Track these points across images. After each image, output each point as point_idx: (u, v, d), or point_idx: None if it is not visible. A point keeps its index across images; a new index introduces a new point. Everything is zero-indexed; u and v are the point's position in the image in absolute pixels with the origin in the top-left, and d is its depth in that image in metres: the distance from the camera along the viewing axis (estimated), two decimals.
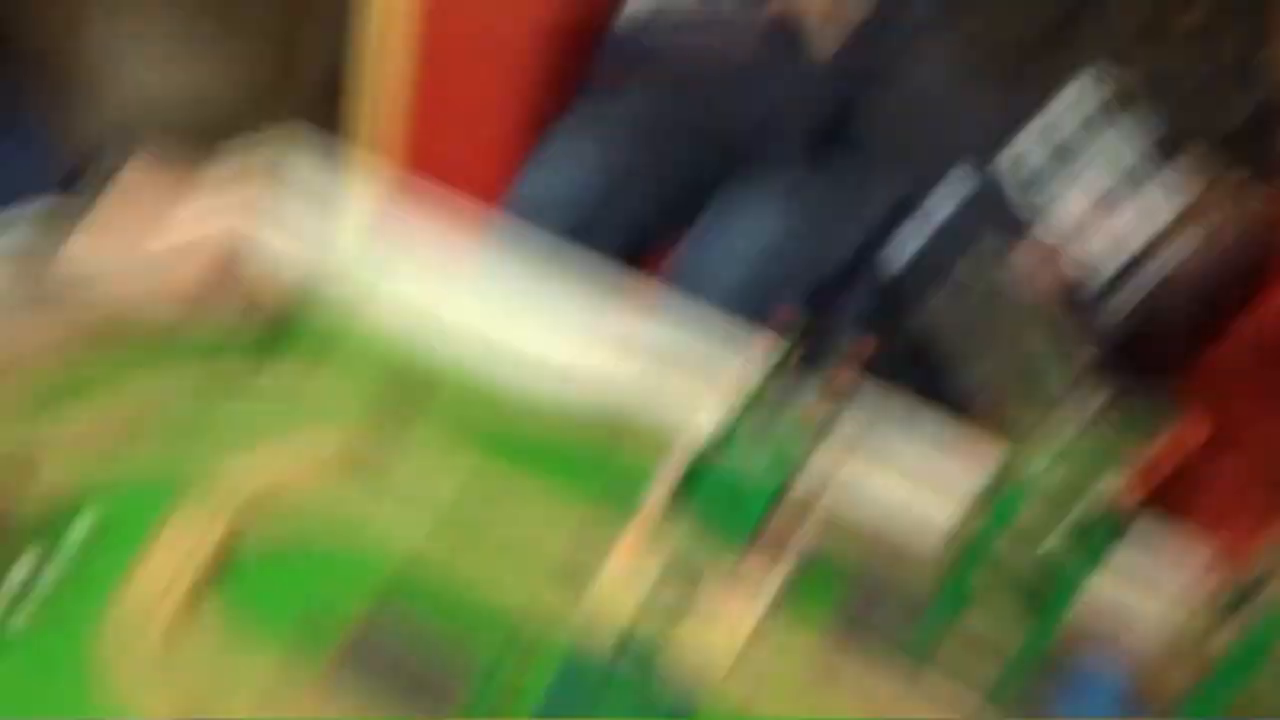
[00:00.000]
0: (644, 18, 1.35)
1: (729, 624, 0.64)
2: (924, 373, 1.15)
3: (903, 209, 1.24)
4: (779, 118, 1.28)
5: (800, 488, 0.65)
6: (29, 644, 0.53)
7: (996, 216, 1.19)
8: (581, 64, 1.34)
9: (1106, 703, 0.65)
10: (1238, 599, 0.61)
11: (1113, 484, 0.60)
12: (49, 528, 0.57)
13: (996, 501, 0.63)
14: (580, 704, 0.58)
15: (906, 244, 1.23)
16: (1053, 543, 0.60)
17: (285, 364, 0.71)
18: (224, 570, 0.58)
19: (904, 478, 0.77)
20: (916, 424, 0.81)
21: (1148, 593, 0.70)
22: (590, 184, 1.26)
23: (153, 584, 0.56)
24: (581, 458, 0.73)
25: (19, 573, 0.55)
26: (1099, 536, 0.60)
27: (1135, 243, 1.18)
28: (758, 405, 0.63)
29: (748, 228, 1.23)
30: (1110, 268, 1.18)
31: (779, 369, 0.64)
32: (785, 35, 1.31)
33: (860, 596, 0.69)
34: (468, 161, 1.36)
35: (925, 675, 0.64)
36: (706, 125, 1.31)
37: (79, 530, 0.58)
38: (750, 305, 1.12)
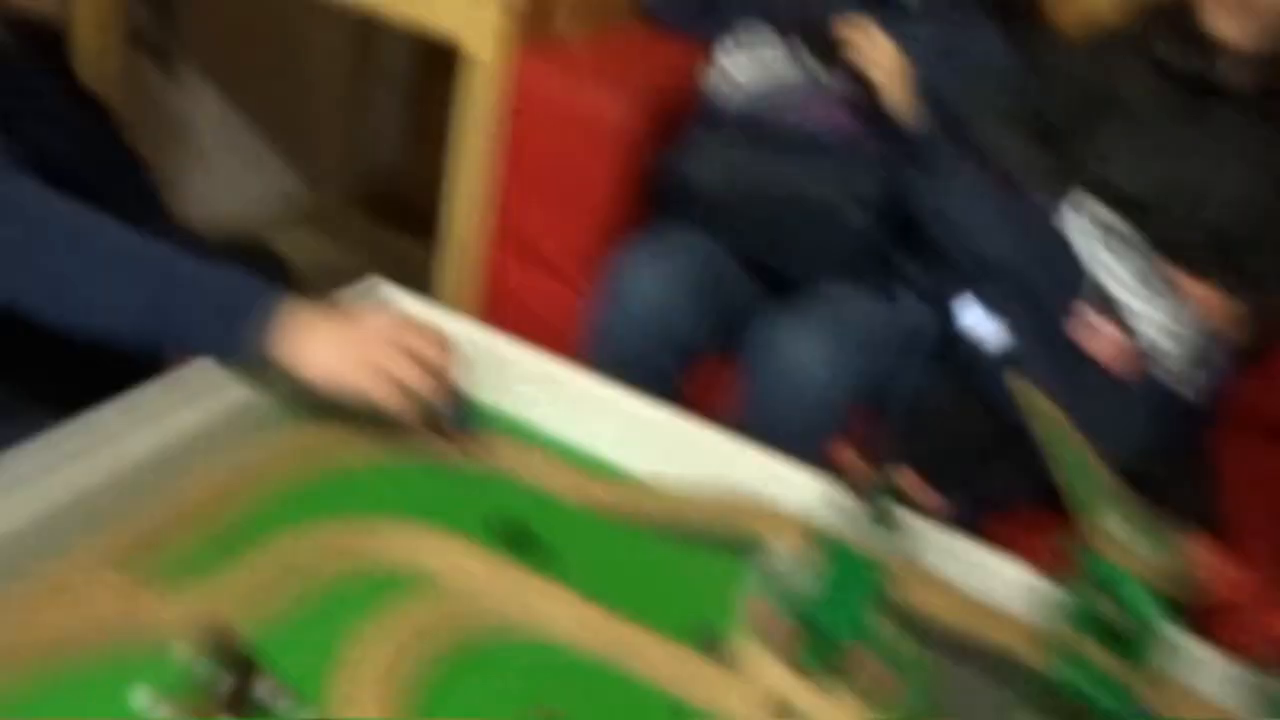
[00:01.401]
0: (734, 93, 1.46)
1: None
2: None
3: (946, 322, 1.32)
4: (829, 241, 1.38)
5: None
6: None
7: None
8: (643, 199, 1.45)
9: None
10: None
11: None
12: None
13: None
14: None
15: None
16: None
17: None
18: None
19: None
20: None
21: None
22: (657, 308, 1.34)
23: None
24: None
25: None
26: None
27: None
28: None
29: (801, 359, 1.29)
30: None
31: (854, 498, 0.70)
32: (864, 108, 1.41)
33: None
34: (543, 290, 1.46)
35: None
36: (760, 253, 1.42)
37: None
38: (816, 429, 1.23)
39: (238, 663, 0.57)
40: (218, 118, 2.22)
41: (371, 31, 2.36)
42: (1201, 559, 0.65)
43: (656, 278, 1.34)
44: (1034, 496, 1.22)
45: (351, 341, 0.78)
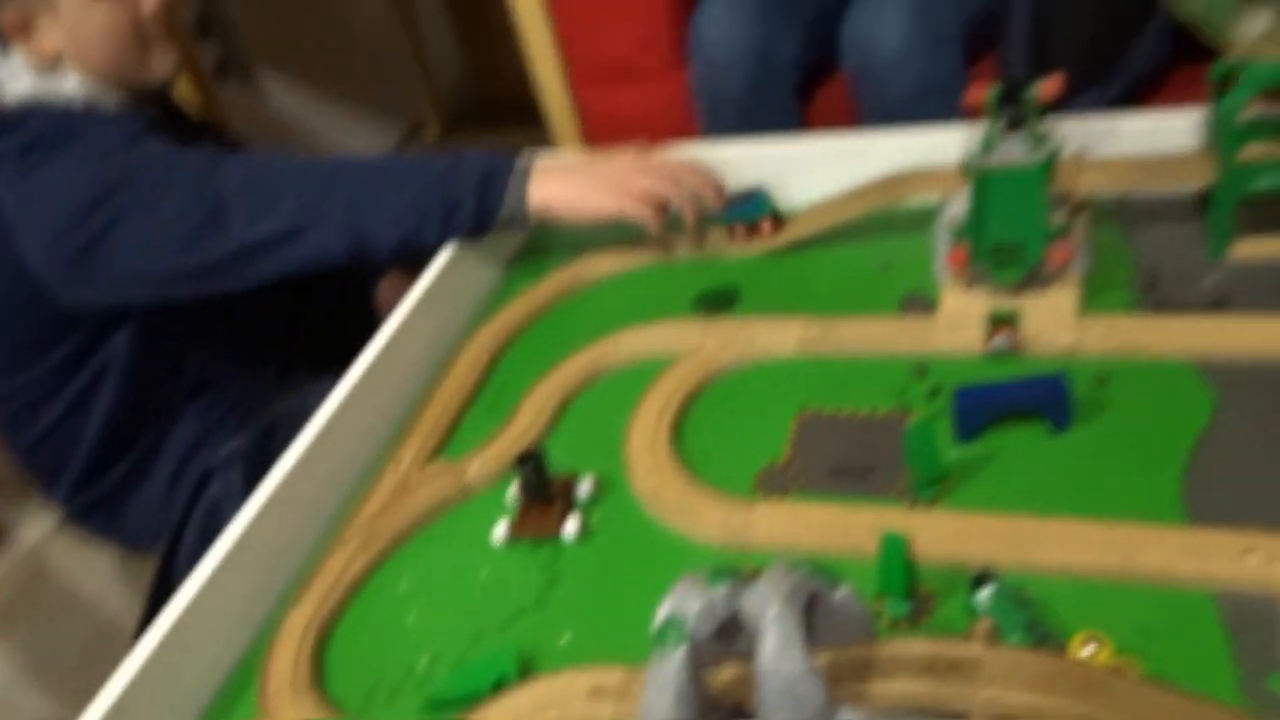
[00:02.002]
0: None
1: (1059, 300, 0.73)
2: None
3: None
4: None
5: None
6: None
7: None
8: None
9: None
10: None
11: None
12: None
13: None
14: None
15: None
16: None
17: None
18: None
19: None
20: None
21: None
22: (742, 39, 1.35)
23: None
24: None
25: None
26: None
27: None
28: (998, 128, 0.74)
29: (893, 40, 1.28)
30: None
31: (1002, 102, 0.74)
32: None
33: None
34: (640, 98, 1.50)
35: None
36: None
37: None
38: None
39: (541, 476, 0.69)
40: (304, 102, 2.35)
41: None
42: None
43: (728, 12, 1.35)
44: (1175, 59, 1.19)
45: (601, 175, 0.90)
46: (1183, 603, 0.54)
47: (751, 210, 0.91)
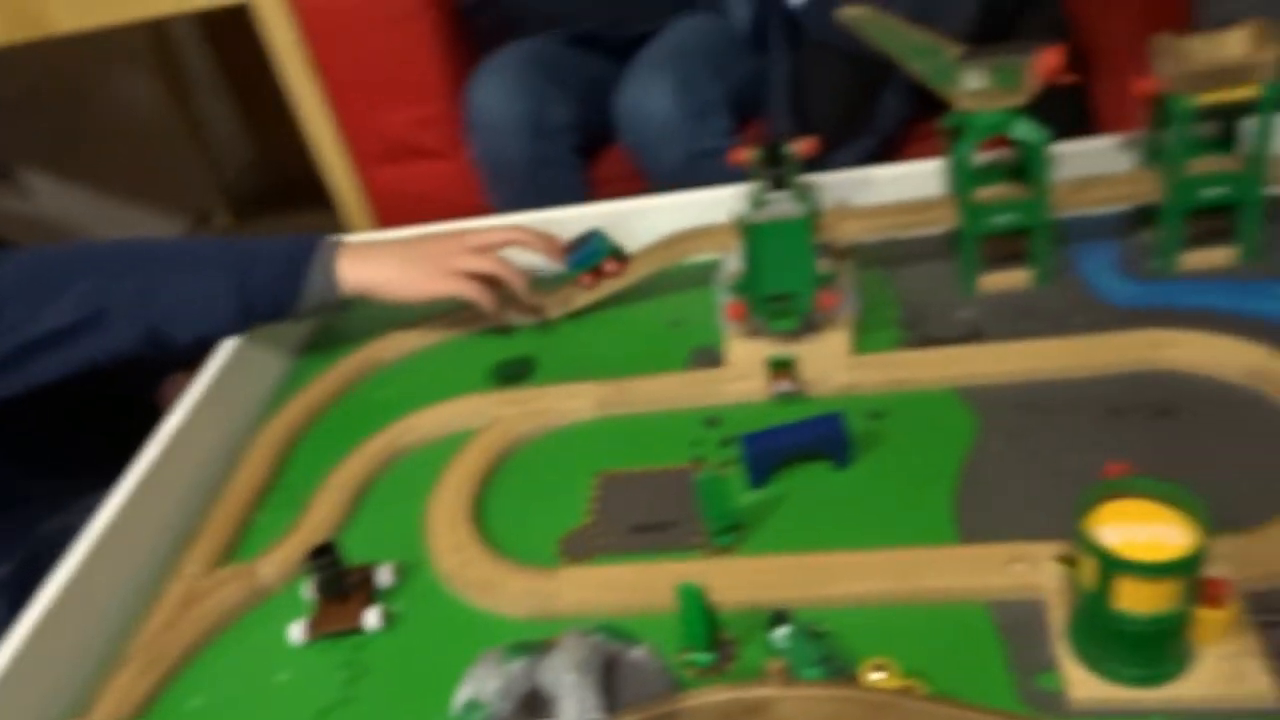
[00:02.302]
0: None
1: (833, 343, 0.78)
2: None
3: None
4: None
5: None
6: None
7: None
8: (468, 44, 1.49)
9: None
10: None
11: None
12: None
13: None
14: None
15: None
16: None
17: None
18: None
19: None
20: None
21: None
22: (516, 109, 1.39)
23: None
24: None
25: None
26: None
27: None
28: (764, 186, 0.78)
29: (656, 105, 1.34)
30: None
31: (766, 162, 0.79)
32: None
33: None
34: (426, 172, 1.50)
35: None
36: (592, 28, 1.47)
37: None
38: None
39: (337, 569, 0.66)
40: (78, 200, 2.23)
41: (169, 57, 2.33)
42: (1046, 63, 0.72)
43: (500, 83, 1.39)
44: (921, 114, 1.30)
45: (425, 255, 0.88)
46: (960, 617, 0.57)
47: (592, 255, 0.90)
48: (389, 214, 1.52)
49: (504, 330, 0.92)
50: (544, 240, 0.91)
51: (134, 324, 0.84)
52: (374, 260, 0.87)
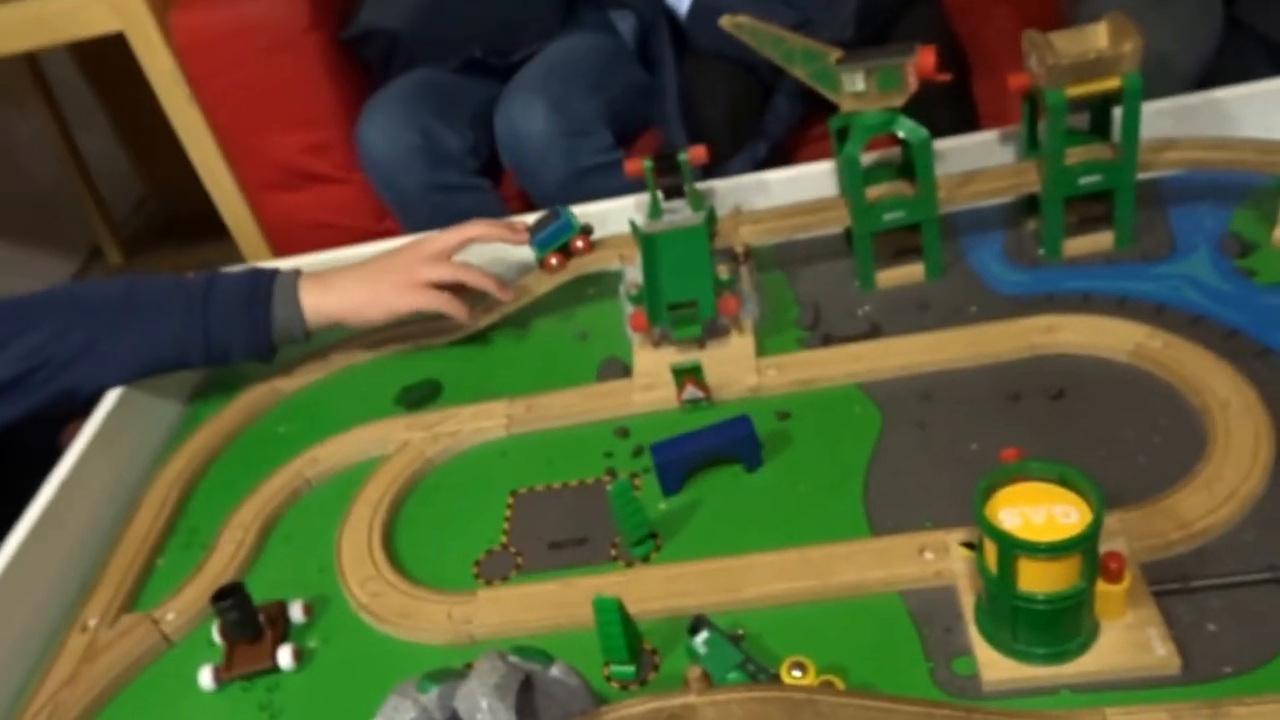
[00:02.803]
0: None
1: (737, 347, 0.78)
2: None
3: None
4: (525, 11, 1.43)
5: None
6: None
7: None
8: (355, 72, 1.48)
9: None
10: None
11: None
12: None
13: None
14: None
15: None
16: None
17: None
18: None
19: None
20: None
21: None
22: (415, 131, 1.37)
23: None
24: None
25: None
26: None
27: None
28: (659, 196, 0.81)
29: (535, 125, 1.34)
30: None
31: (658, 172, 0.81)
32: None
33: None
34: (325, 198, 1.47)
35: None
36: (474, 53, 1.45)
37: None
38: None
39: (245, 609, 0.64)
40: None
41: (49, 95, 2.26)
42: (923, 62, 0.74)
43: (388, 118, 1.37)
44: (813, 117, 1.33)
45: (385, 273, 0.85)
46: (876, 609, 0.58)
47: (559, 233, 0.88)
48: (287, 243, 1.49)
49: (408, 351, 0.90)
50: (501, 228, 0.88)
51: (83, 378, 0.83)
52: (338, 287, 0.85)
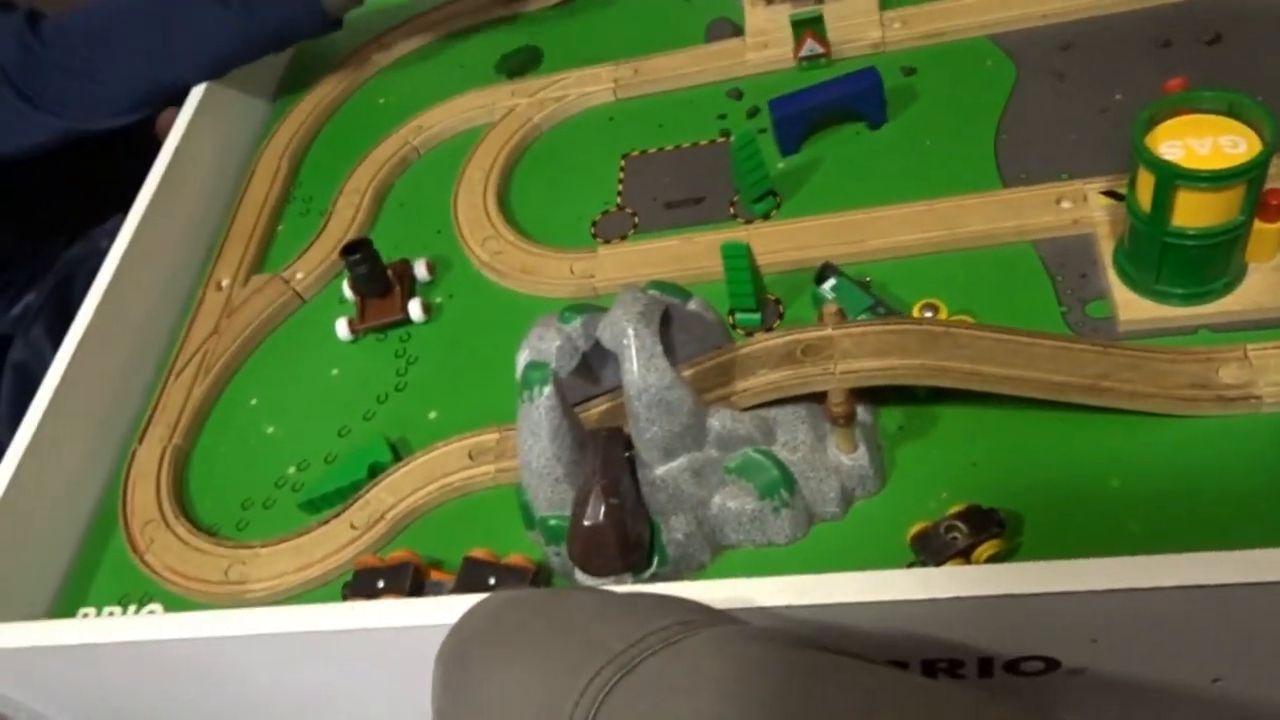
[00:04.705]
0: None
1: None
2: None
3: None
4: None
5: None
6: None
7: None
8: None
9: None
10: None
11: None
12: None
13: None
14: None
15: None
16: None
17: None
18: None
19: None
20: None
21: None
22: None
23: None
24: None
25: None
26: None
27: None
28: None
29: None
30: None
31: None
32: None
33: None
34: None
35: None
36: None
37: None
38: None
39: (374, 265, 0.66)
40: None
41: None
42: None
43: None
44: None
45: None
46: (1007, 258, 0.57)
47: None
48: None
49: (505, 20, 0.86)
50: None
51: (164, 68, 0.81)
52: None
